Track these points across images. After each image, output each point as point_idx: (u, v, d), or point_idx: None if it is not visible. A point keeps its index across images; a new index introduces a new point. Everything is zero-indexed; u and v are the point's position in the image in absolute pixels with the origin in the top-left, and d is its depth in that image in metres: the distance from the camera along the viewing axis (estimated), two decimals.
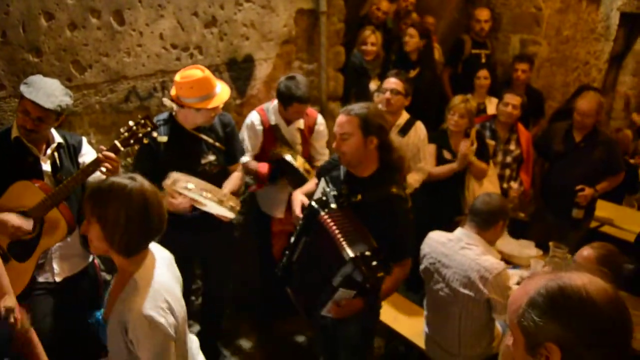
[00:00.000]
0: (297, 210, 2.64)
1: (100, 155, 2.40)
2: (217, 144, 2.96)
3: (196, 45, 3.27)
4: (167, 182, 2.61)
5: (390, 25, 5.33)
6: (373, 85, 4.40)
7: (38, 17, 2.66)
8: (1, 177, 2.40)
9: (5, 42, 2.59)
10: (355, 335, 2.66)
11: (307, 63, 3.94)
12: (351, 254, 2.19)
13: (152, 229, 1.79)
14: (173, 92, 2.80)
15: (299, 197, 2.72)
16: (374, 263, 2.20)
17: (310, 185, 2.86)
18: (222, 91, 2.85)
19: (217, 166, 2.94)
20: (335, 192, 2.45)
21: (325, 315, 2.44)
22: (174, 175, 2.63)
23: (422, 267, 2.82)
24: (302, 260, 2.59)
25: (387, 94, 3.47)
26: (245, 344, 3.66)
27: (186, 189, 2.61)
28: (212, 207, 2.75)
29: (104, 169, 2.41)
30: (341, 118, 2.41)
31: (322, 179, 2.58)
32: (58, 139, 2.55)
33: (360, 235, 2.30)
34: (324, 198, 2.46)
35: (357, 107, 2.40)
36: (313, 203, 2.46)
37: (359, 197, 2.41)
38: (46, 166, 2.50)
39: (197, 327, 3.53)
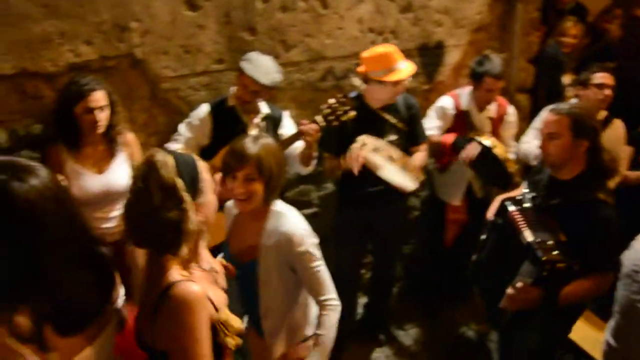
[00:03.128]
0: (490, 213, 2.63)
1: (303, 128, 2.61)
2: (400, 124, 3.02)
3: (391, 29, 3.36)
4: (356, 145, 2.72)
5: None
6: (567, 78, 4.13)
7: (256, 0, 2.94)
8: (217, 141, 2.73)
9: (227, 21, 2.90)
10: (531, 341, 2.51)
11: (498, 52, 3.82)
12: (530, 238, 2.20)
13: None
14: (360, 68, 2.92)
15: (499, 200, 2.64)
16: (555, 252, 2.15)
17: (517, 192, 2.74)
18: (407, 67, 2.88)
19: (398, 146, 3.01)
20: (533, 194, 2.40)
21: (504, 317, 2.39)
22: (363, 139, 2.73)
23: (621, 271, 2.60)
24: (489, 260, 2.59)
25: (607, 91, 3.23)
26: (411, 324, 3.71)
27: (373, 152, 2.68)
28: (395, 174, 2.79)
29: (305, 140, 2.63)
30: (550, 117, 2.32)
31: (525, 183, 2.53)
32: (265, 110, 2.81)
33: (547, 228, 2.24)
34: (519, 198, 2.45)
35: (568, 107, 2.32)
36: (505, 201, 2.45)
37: (557, 200, 2.32)
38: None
39: (364, 299, 3.67)
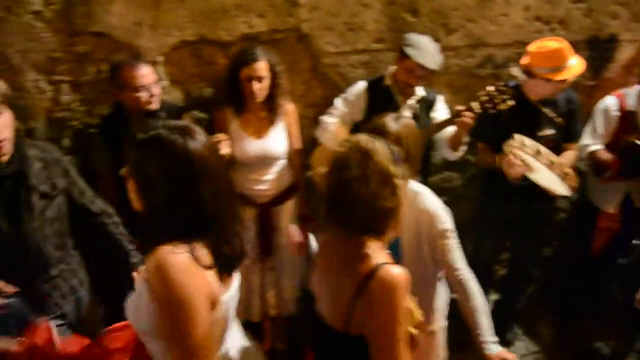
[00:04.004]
0: None
1: (459, 113, 2.59)
2: (558, 119, 2.87)
3: (560, 19, 3.18)
4: (513, 143, 2.64)
5: None
6: None
7: None
8: (369, 118, 2.75)
9: (391, 2, 2.95)
10: None
11: None
12: None
13: None
14: (525, 61, 2.80)
15: None
16: None
17: None
18: (576, 65, 2.73)
19: (553, 141, 2.85)
20: None
21: None
22: (521, 138, 2.64)
23: None
24: (637, 265, 2.46)
25: None
26: (541, 329, 3.56)
27: (531, 155, 2.59)
28: (549, 180, 2.68)
29: (458, 125, 2.60)
30: None
31: None
32: (421, 92, 2.81)
33: None
34: None
35: None
36: None
37: None
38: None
39: (495, 296, 3.57)
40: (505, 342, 3.41)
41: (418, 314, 1.59)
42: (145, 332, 1.42)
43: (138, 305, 1.38)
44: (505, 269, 3.50)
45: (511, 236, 3.26)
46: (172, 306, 1.28)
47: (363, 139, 1.53)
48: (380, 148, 1.50)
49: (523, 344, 3.45)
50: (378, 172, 1.46)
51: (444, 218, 2.05)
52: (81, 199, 2.24)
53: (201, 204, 1.36)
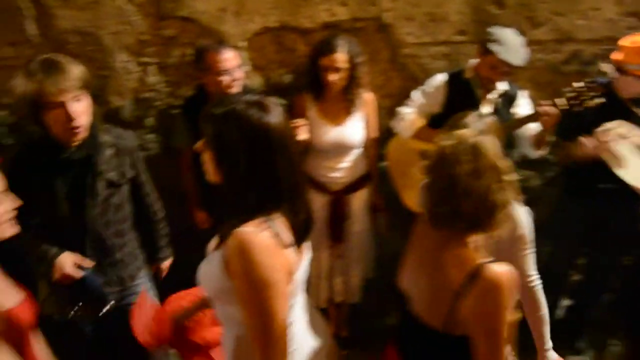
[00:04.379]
0: None
1: (542, 109, 2.50)
2: None
3: None
4: (601, 128, 2.56)
5: None
6: None
7: None
8: (448, 111, 2.71)
9: None
10: None
11: None
12: None
13: None
14: (617, 56, 2.68)
15: None
16: None
17: None
18: None
19: None
20: None
21: None
22: (615, 123, 2.53)
23: None
24: None
25: None
26: (616, 340, 3.40)
27: (620, 137, 2.47)
28: (638, 170, 2.54)
29: (542, 122, 2.52)
30: None
31: None
32: (503, 86, 2.74)
33: None
34: None
35: None
36: None
37: None
38: (486, 110, 2.72)
39: (567, 302, 3.44)
40: (574, 351, 3.29)
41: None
42: (215, 297, 1.47)
43: (210, 273, 1.42)
44: (581, 275, 3.35)
45: (590, 240, 3.13)
46: (255, 286, 1.31)
47: (470, 133, 1.50)
48: (489, 143, 1.47)
49: (595, 354, 3.30)
50: (489, 166, 1.44)
51: (525, 223, 1.98)
52: (140, 190, 2.31)
53: (278, 176, 1.39)
